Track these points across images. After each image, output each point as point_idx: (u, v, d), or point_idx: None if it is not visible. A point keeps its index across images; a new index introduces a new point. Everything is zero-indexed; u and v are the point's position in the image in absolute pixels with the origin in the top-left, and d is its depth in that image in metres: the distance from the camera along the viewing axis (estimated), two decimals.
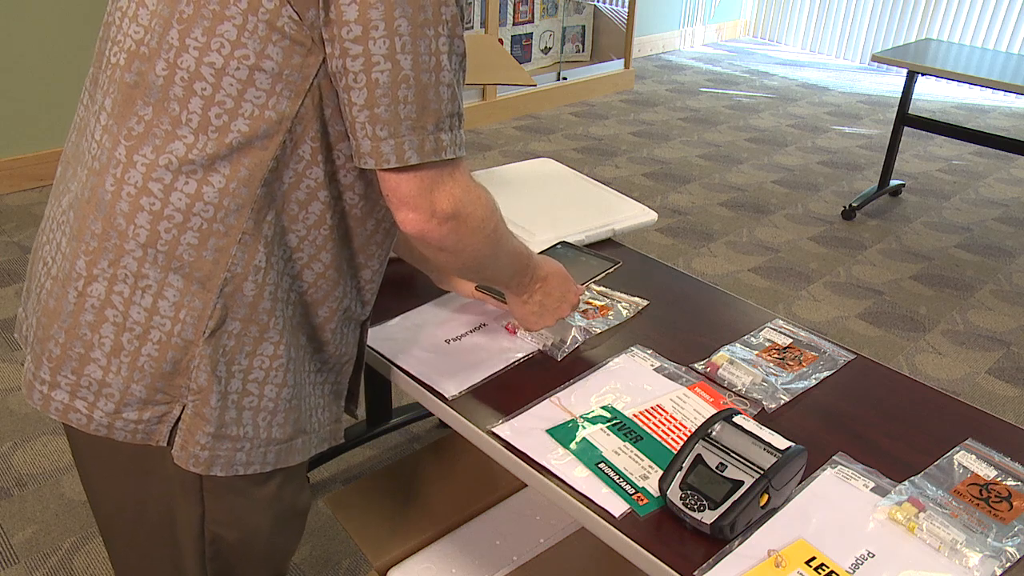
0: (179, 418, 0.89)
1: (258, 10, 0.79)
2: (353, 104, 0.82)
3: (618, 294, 1.39)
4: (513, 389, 1.16)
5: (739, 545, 0.93)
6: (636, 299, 1.38)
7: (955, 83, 5.14)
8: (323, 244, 0.91)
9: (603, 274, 1.33)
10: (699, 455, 0.96)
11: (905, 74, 3.60)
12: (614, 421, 1.10)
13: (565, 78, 5.01)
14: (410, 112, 0.82)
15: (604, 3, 5.43)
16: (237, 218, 0.84)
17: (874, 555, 0.92)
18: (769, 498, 0.94)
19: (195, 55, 0.80)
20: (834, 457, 1.06)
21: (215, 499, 0.95)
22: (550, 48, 5.32)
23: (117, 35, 0.86)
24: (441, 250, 0.91)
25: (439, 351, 1.23)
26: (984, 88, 4.49)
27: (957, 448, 1.09)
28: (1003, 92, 5.49)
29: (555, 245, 1.40)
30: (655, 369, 1.21)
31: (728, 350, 1.26)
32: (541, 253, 1.24)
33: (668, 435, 1.08)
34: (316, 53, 0.82)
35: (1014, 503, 1.00)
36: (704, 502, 0.92)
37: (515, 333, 1.27)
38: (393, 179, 0.85)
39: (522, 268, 1.09)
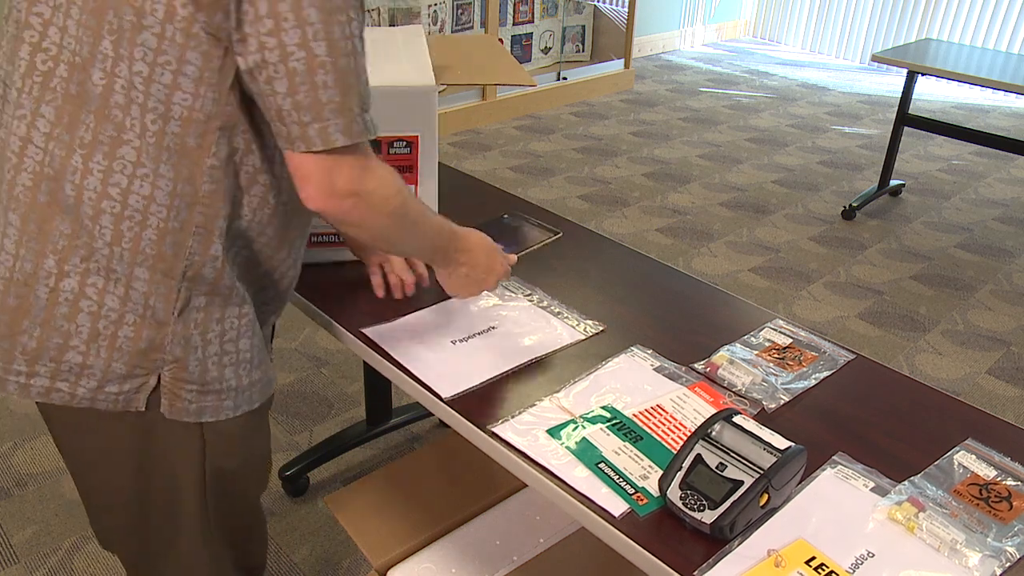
0: (156, 386, 0.96)
1: (173, 18, 0.83)
2: (277, 93, 0.87)
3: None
4: (513, 389, 1.16)
5: (739, 545, 0.93)
6: (589, 322, 1.33)
7: (955, 83, 5.14)
8: (268, 221, 0.99)
9: (541, 244, 1.34)
10: (699, 455, 0.96)
11: (905, 74, 3.60)
12: (614, 421, 1.10)
13: (565, 78, 5.01)
14: (333, 96, 0.87)
15: (604, 3, 5.43)
16: (188, 214, 0.91)
17: (874, 555, 0.92)
18: (769, 498, 0.94)
19: (127, 64, 0.85)
20: (834, 457, 1.06)
21: (216, 435, 1.03)
22: (550, 48, 5.32)
23: (41, 42, 0.88)
24: (343, 224, 0.97)
25: (444, 352, 1.23)
26: (984, 88, 4.49)
27: (957, 448, 1.09)
28: (1003, 92, 5.49)
29: (502, 216, 1.41)
30: (655, 369, 1.21)
31: (728, 350, 1.26)
32: (488, 221, 1.25)
33: (668, 435, 1.08)
34: (232, 53, 0.87)
35: (1014, 503, 1.00)
36: (704, 502, 0.92)
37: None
38: (297, 158, 0.90)
39: (443, 244, 1.14)
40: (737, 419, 0.99)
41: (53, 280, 0.91)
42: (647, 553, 0.92)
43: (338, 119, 0.88)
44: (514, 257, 1.28)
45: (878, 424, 1.13)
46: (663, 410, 1.13)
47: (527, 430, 1.08)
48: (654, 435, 1.08)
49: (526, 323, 1.31)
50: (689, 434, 1.02)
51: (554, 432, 1.08)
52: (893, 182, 3.93)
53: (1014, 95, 5.40)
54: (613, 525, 0.95)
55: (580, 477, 1.01)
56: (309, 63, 0.85)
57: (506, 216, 1.40)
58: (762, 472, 0.93)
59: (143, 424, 0.99)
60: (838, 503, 0.99)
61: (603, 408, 1.13)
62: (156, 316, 0.93)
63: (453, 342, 1.25)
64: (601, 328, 1.30)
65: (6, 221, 0.92)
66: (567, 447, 1.06)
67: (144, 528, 1.09)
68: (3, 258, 0.92)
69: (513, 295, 1.38)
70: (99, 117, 0.87)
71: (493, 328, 1.29)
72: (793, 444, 0.96)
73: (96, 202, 0.88)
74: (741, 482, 0.93)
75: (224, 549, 1.14)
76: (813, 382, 1.20)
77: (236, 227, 0.96)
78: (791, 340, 1.30)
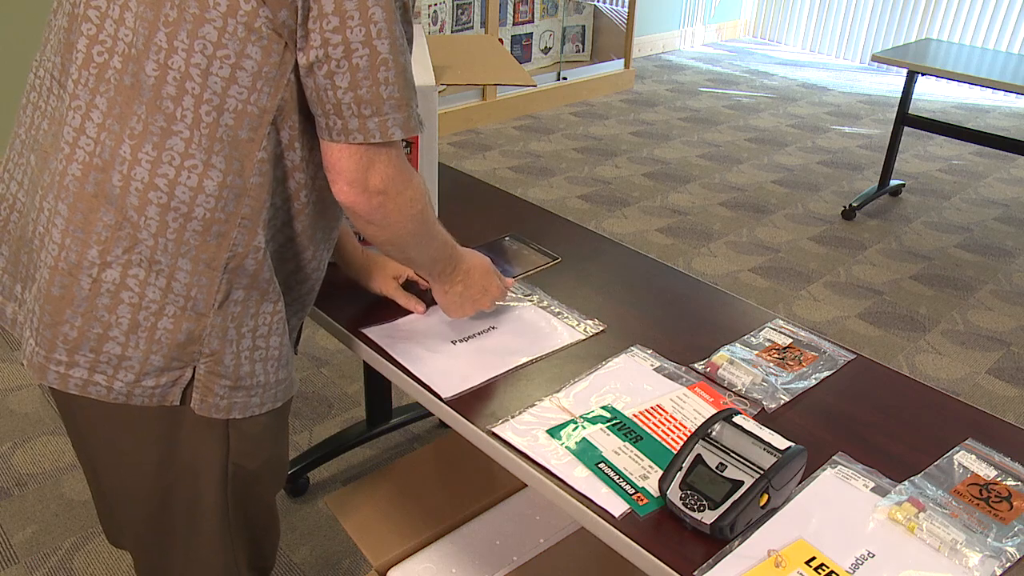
0: (191, 379, 0.97)
1: (236, 13, 0.85)
2: (338, 88, 0.89)
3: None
4: (513, 389, 1.16)
5: (739, 545, 0.93)
6: (589, 322, 1.32)
7: (955, 83, 5.14)
8: (296, 215, 1.00)
9: (538, 269, 1.37)
10: (699, 455, 0.96)
11: (905, 74, 3.60)
12: (614, 421, 1.10)
13: (565, 78, 5.01)
14: (393, 92, 0.90)
15: (604, 3, 5.43)
16: (236, 205, 0.92)
17: (874, 555, 0.92)
18: (769, 498, 0.94)
19: (183, 56, 0.86)
20: (834, 457, 1.06)
21: (240, 434, 1.03)
22: (550, 48, 5.32)
23: (99, 34, 0.89)
24: (369, 223, 0.99)
25: (444, 352, 1.23)
26: (984, 88, 4.49)
27: (957, 448, 1.09)
28: (1003, 92, 5.49)
29: (504, 237, 1.43)
30: (655, 369, 1.21)
31: (728, 350, 1.26)
32: (490, 242, 1.28)
33: (668, 435, 1.08)
34: (291, 49, 0.88)
35: (1014, 503, 1.00)
36: (704, 502, 0.92)
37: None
38: (336, 151, 0.93)
39: (445, 257, 1.16)
40: (737, 419, 0.99)
41: (96, 271, 0.91)
42: (647, 553, 0.92)
43: (397, 114, 0.91)
44: (511, 280, 1.32)
45: (878, 424, 1.13)
46: (663, 410, 1.13)
47: (527, 430, 1.08)
48: (654, 435, 1.08)
49: (526, 323, 1.31)
50: (689, 434, 1.02)
51: (554, 432, 1.08)
52: (893, 182, 3.93)
53: (1014, 95, 5.40)
54: (613, 525, 0.95)
55: (580, 477, 1.01)
56: (372, 59, 0.88)
57: (507, 238, 1.43)
58: (762, 472, 0.93)
59: (171, 421, 0.99)
60: (838, 503, 0.99)
61: (603, 408, 1.13)
62: (196, 308, 0.94)
63: (453, 342, 1.25)
64: (601, 328, 1.30)
65: (55, 211, 0.93)
66: (567, 447, 1.06)
67: (162, 525, 1.09)
68: (50, 247, 0.93)
69: (513, 295, 1.38)
70: (150, 108, 0.87)
71: (493, 328, 1.29)
72: (793, 444, 0.96)
73: (143, 193, 0.89)
74: (741, 482, 0.93)
75: (241, 548, 1.15)
76: (813, 382, 1.20)
77: (276, 218, 0.98)
78: (791, 340, 1.30)
